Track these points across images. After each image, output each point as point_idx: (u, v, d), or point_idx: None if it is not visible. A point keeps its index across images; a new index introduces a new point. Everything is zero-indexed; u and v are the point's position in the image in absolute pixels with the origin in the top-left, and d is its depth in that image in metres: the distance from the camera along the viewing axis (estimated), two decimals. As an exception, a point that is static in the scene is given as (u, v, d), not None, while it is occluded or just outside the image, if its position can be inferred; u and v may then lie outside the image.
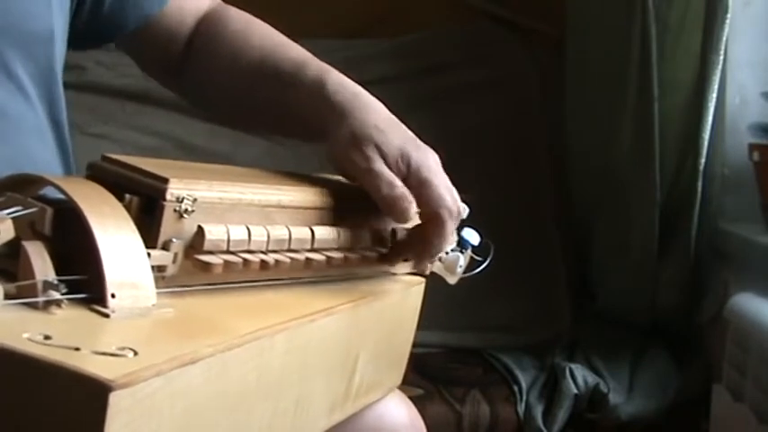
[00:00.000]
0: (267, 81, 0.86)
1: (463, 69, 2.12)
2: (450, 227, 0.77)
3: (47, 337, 0.45)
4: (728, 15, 1.61)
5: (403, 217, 0.75)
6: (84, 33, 0.88)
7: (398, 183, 0.75)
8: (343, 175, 0.79)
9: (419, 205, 0.77)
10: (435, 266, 0.83)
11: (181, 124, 2.01)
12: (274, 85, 0.85)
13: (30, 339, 0.45)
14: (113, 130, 2.00)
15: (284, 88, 0.84)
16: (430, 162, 0.78)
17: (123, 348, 0.46)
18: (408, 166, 0.76)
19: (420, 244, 0.78)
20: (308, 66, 0.84)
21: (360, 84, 0.82)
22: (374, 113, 0.79)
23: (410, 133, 0.79)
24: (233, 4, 0.95)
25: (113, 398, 0.42)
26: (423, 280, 0.84)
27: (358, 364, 0.74)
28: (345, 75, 0.82)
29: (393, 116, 0.81)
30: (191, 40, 0.92)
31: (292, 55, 0.86)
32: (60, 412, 0.43)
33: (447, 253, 0.84)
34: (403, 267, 0.82)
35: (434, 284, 0.86)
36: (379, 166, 0.75)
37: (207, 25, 0.92)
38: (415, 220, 0.78)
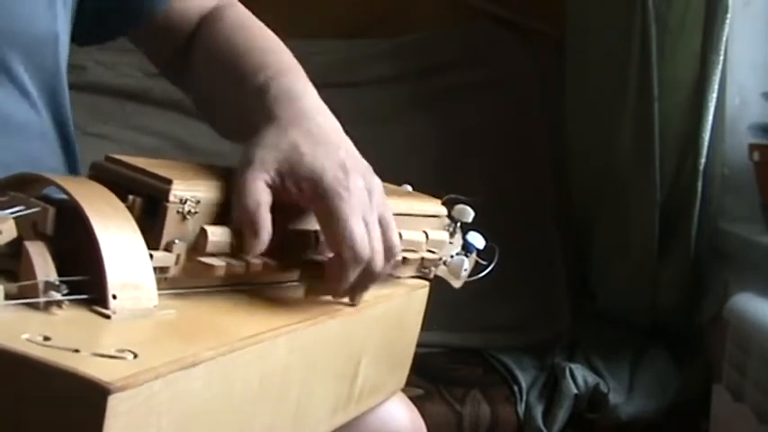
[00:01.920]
0: (229, 82, 0.81)
1: (463, 69, 2.11)
2: (350, 273, 0.65)
3: (46, 338, 0.45)
4: (728, 15, 1.61)
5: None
6: (89, 30, 0.88)
7: (252, 204, 0.62)
8: None
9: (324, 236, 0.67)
10: (440, 270, 0.83)
11: (181, 124, 2.01)
12: (234, 87, 0.80)
13: (29, 340, 0.45)
14: (113, 130, 2.00)
15: (234, 87, 0.79)
16: (350, 190, 0.66)
17: (123, 350, 0.46)
18: (315, 189, 0.65)
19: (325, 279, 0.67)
20: (265, 69, 0.77)
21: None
22: (309, 127, 0.69)
23: (341, 154, 0.68)
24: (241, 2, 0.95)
25: (112, 400, 0.42)
26: (427, 284, 0.84)
27: (361, 366, 0.73)
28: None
29: (331, 132, 0.70)
30: (192, 36, 0.92)
31: (257, 58, 0.80)
32: (59, 414, 0.43)
33: (452, 257, 0.83)
34: (407, 271, 0.82)
35: (434, 285, 0.85)
36: (254, 183, 0.64)
37: (207, 23, 0.92)
38: None
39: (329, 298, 0.69)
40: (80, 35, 0.87)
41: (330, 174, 0.65)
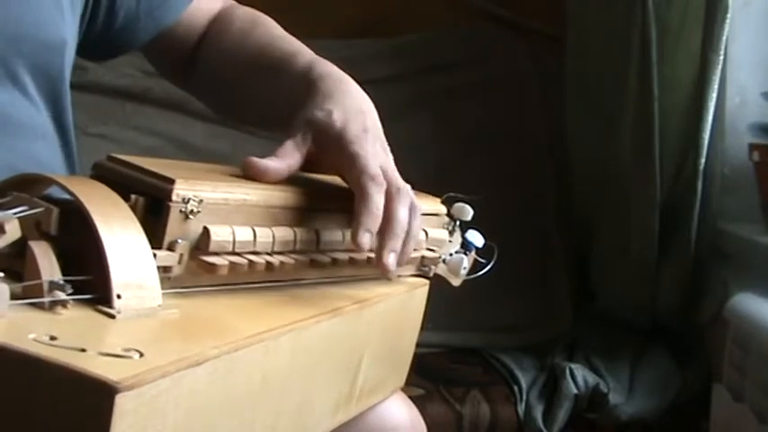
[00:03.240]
0: (260, 72, 0.86)
1: (463, 69, 2.11)
2: (375, 196, 0.70)
3: (53, 338, 0.45)
4: (728, 15, 1.61)
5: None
6: (98, 45, 0.88)
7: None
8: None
9: (347, 182, 0.74)
10: (440, 268, 0.83)
11: (181, 124, 2.01)
12: (265, 76, 0.85)
13: (36, 340, 0.45)
14: (113, 130, 2.00)
15: (274, 78, 0.84)
16: (368, 144, 0.74)
17: (129, 349, 0.46)
18: (339, 146, 0.74)
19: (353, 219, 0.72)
20: (299, 55, 0.84)
21: (360, 84, 0.81)
22: (342, 98, 0.77)
23: (368, 122, 0.76)
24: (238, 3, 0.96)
25: (119, 399, 0.42)
26: (427, 282, 0.84)
27: (362, 365, 0.74)
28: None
29: (366, 104, 0.78)
30: (200, 40, 0.93)
31: (285, 47, 0.87)
32: (66, 413, 0.43)
33: (451, 255, 0.83)
34: (407, 269, 0.82)
35: (434, 285, 0.86)
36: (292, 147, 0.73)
37: (215, 25, 0.93)
38: None
39: (330, 297, 0.70)
40: (89, 50, 0.88)
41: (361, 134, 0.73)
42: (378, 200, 0.70)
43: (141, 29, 0.89)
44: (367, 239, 0.69)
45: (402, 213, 0.71)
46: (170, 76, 0.99)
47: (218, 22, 0.93)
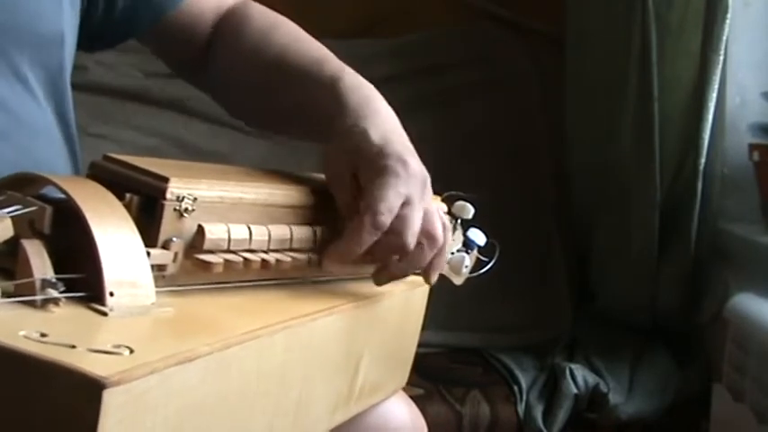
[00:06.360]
0: (285, 78, 0.84)
1: (463, 69, 2.11)
2: (366, 237, 0.70)
3: (43, 335, 0.45)
4: (728, 15, 1.61)
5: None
6: (97, 35, 0.87)
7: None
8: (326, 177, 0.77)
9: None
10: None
11: (181, 124, 2.01)
12: (291, 83, 0.84)
13: (26, 337, 0.45)
14: (113, 130, 2.00)
15: (300, 85, 0.82)
16: (407, 171, 0.73)
17: (119, 346, 0.46)
18: (374, 171, 0.73)
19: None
20: (326, 63, 0.82)
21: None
22: (379, 121, 0.76)
23: (405, 146, 0.76)
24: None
25: (107, 395, 0.42)
26: None
27: (361, 364, 0.74)
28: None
29: (396, 125, 0.78)
30: (213, 37, 0.91)
31: (312, 52, 0.85)
32: (55, 409, 0.43)
33: (453, 254, 0.83)
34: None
35: (435, 284, 0.85)
36: (346, 181, 0.73)
37: (230, 23, 0.91)
38: None
39: (327, 295, 0.70)
40: (88, 40, 0.87)
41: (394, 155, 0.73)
42: (366, 238, 0.70)
43: (141, 16, 0.88)
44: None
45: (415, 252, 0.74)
46: (180, 70, 0.96)
47: (233, 20, 0.90)
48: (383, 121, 0.77)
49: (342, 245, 0.70)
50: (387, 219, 0.70)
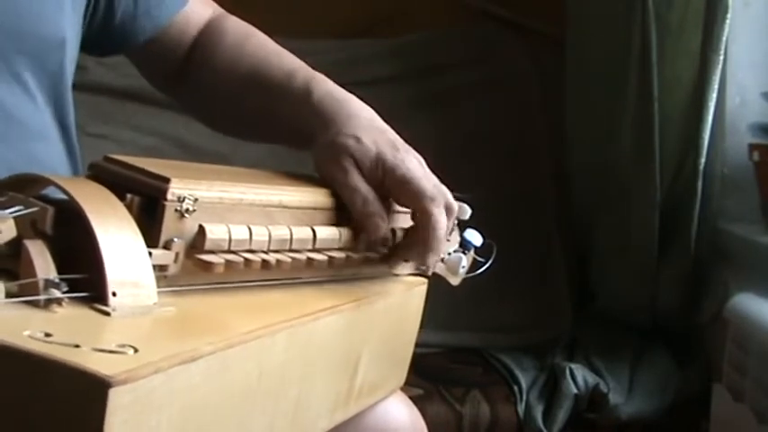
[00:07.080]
0: (256, 90, 0.86)
1: (464, 70, 2.11)
2: (440, 218, 0.75)
3: (47, 335, 0.45)
4: (728, 15, 1.61)
5: (375, 233, 0.74)
6: (96, 42, 0.88)
7: (372, 198, 0.74)
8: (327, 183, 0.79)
9: (404, 204, 0.77)
10: (438, 267, 0.83)
11: (181, 124, 2.00)
12: (263, 95, 0.86)
13: (30, 336, 0.45)
14: (113, 130, 2.00)
15: (272, 97, 0.85)
16: (407, 161, 0.77)
17: (123, 345, 0.46)
18: (384, 170, 0.76)
19: (416, 243, 0.77)
20: (296, 74, 0.84)
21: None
22: (356, 120, 0.79)
23: (391, 136, 0.79)
24: (238, 6, 0.95)
25: (113, 394, 0.42)
26: (425, 281, 0.84)
27: (360, 364, 0.74)
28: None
29: (377, 120, 0.80)
30: (191, 50, 0.92)
31: (283, 64, 0.87)
32: (60, 408, 0.43)
33: (449, 254, 0.83)
34: (405, 268, 0.82)
35: (434, 284, 0.86)
36: (354, 179, 0.75)
37: (206, 36, 0.92)
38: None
39: (327, 295, 0.70)
40: (92, 45, 0.88)
41: (389, 154, 0.76)
42: (443, 223, 0.75)
43: (138, 27, 0.89)
44: (433, 262, 0.77)
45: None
46: (161, 83, 0.97)
47: (209, 34, 0.92)
48: (359, 119, 0.79)
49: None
50: (435, 193, 0.75)
